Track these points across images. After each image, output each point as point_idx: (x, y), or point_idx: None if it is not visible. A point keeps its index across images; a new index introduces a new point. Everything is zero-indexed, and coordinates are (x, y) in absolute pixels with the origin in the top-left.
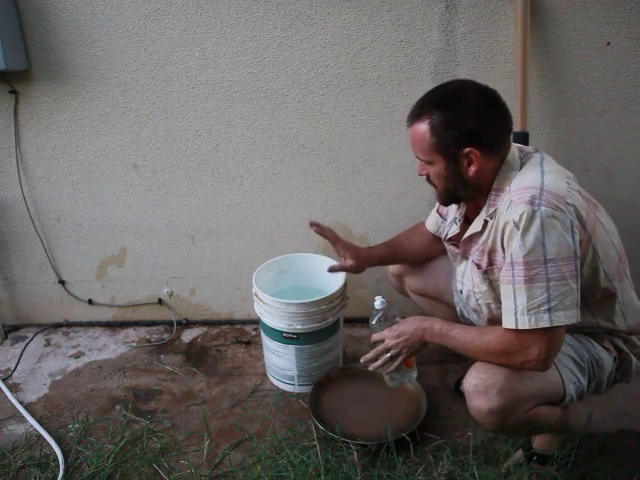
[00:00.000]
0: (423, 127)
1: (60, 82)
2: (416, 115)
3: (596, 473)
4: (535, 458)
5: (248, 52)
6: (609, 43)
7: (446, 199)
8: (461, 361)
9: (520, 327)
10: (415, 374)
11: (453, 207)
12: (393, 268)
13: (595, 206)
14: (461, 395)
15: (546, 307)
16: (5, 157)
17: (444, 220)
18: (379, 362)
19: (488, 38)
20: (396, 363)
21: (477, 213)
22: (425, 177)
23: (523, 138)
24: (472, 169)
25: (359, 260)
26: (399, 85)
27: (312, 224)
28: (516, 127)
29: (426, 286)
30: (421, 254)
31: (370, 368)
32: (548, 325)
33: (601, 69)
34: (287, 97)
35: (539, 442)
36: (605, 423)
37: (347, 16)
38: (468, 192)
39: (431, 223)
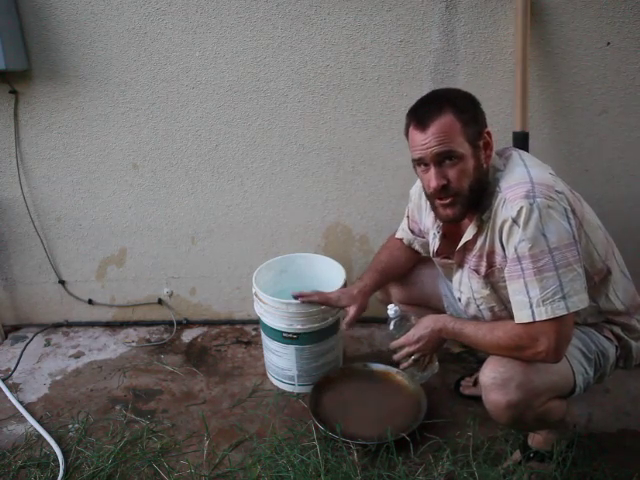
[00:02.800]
0: (449, 118)
1: (60, 82)
2: (435, 112)
3: (595, 472)
4: (532, 456)
5: (248, 52)
6: (609, 43)
7: (466, 204)
8: (460, 361)
9: (537, 319)
10: (437, 366)
11: (429, 223)
12: None
13: (573, 192)
14: (461, 395)
15: (560, 295)
16: (5, 157)
17: (416, 237)
18: (406, 365)
19: (488, 38)
20: (424, 363)
21: (459, 225)
22: (440, 190)
23: (523, 138)
24: (488, 154)
25: (357, 299)
26: (399, 85)
27: (296, 296)
28: (516, 127)
29: (412, 294)
30: (406, 267)
31: (400, 367)
32: (565, 312)
33: (601, 69)
34: (287, 97)
35: (536, 440)
36: (605, 423)
37: (347, 16)
38: (485, 187)
39: (404, 239)
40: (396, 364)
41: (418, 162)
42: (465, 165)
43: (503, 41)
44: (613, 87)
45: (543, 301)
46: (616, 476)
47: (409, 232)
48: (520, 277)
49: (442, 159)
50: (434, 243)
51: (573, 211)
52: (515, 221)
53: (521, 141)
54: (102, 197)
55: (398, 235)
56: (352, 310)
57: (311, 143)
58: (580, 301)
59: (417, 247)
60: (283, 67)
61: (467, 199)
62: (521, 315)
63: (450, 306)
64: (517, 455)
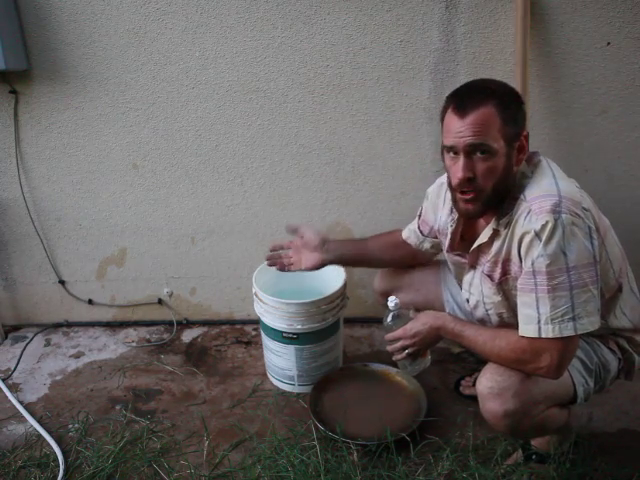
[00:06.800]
0: (491, 110)
1: (60, 82)
2: (477, 101)
3: (595, 473)
4: (534, 457)
5: (248, 52)
6: (609, 43)
7: (487, 203)
8: (461, 361)
9: (544, 336)
10: (429, 360)
11: (444, 216)
12: (379, 286)
13: (596, 207)
14: (461, 395)
15: (570, 315)
16: (5, 157)
17: (425, 237)
18: (399, 357)
19: (488, 38)
20: (418, 357)
21: (475, 225)
22: (464, 182)
23: None
24: (520, 157)
25: (323, 244)
26: (399, 85)
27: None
28: None
29: (416, 300)
30: (384, 264)
31: (393, 358)
32: (572, 333)
33: (601, 69)
34: (287, 97)
35: (537, 441)
36: (605, 423)
37: (347, 16)
38: (509, 189)
39: (411, 238)
40: (390, 355)
41: (448, 149)
42: (495, 163)
43: (503, 41)
44: (613, 87)
45: (552, 319)
46: (616, 476)
47: (418, 233)
48: (532, 291)
49: (473, 151)
50: (447, 237)
51: (597, 229)
52: (538, 235)
53: None
54: (102, 197)
55: (404, 235)
56: (315, 254)
57: (311, 143)
58: (590, 323)
59: (427, 247)
60: (283, 67)
61: (489, 198)
62: (527, 329)
63: (452, 312)
64: (517, 455)
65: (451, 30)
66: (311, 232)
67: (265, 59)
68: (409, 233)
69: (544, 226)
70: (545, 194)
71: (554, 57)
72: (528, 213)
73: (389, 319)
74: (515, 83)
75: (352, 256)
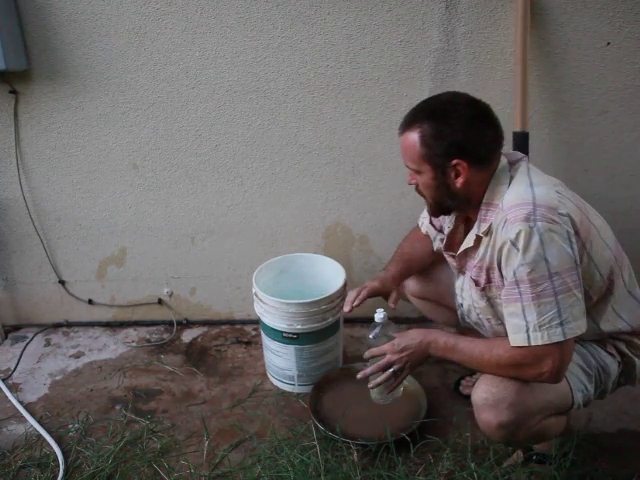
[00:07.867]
0: (413, 136)
1: (60, 82)
2: (407, 124)
3: (596, 473)
4: (534, 458)
5: (248, 52)
6: (609, 43)
7: (435, 210)
8: None
9: (533, 343)
10: (401, 390)
11: (447, 219)
12: None
13: (585, 209)
14: (461, 395)
15: (558, 321)
16: (5, 157)
17: (438, 232)
18: (382, 377)
19: (488, 38)
20: (400, 379)
21: (469, 227)
22: (414, 187)
23: (523, 138)
24: (459, 181)
25: (395, 285)
26: (399, 85)
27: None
28: (516, 127)
29: (426, 290)
30: (428, 260)
31: (370, 385)
32: (562, 339)
33: (601, 69)
34: (287, 97)
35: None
36: (605, 423)
37: (347, 16)
38: (456, 204)
39: (429, 232)
40: (364, 380)
41: None
42: (424, 180)
43: (503, 41)
44: (613, 87)
45: (540, 326)
46: (616, 476)
47: (432, 228)
48: (518, 300)
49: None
50: (444, 237)
51: (577, 233)
52: (514, 244)
53: (521, 141)
54: (102, 197)
55: (423, 230)
56: (395, 292)
57: (311, 143)
58: (578, 327)
59: (437, 244)
60: (283, 67)
61: (432, 206)
62: (516, 338)
63: (461, 310)
64: (517, 455)
65: (451, 30)
66: (367, 292)
67: (265, 59)
68: (425, 228)
69: (518, 235)
70: (520, 203)
71: (554, 57)
72: (505, 223)
73: (373, 334)
74: (515, 83)
75: (404, 275)
